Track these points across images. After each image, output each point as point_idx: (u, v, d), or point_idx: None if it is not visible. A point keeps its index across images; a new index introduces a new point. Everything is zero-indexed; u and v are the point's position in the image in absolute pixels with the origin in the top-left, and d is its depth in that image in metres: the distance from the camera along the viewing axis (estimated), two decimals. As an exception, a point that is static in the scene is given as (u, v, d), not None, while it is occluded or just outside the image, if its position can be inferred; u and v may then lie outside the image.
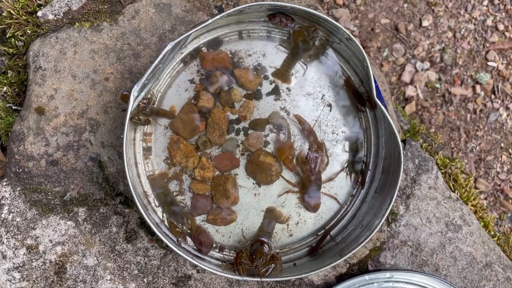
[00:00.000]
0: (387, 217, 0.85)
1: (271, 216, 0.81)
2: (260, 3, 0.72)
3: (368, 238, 0.74)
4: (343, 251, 0.76)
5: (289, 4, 0.73)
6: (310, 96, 0.81)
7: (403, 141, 0.90)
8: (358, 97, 0.81)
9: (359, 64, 0.79)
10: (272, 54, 0.81)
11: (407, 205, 0.86)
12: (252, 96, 0.81)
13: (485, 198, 1.38)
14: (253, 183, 0.81)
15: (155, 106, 0.79)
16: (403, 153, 0.75)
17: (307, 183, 0.80)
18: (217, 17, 0.72)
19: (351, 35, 0.73)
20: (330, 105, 0.82)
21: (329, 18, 0.73)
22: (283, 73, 0.81)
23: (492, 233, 0.97)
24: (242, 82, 0.80)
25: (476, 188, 1.35)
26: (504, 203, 1.38)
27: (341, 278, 0.84)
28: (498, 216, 1.37)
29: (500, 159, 1.39)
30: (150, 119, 0.79)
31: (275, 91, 0.81)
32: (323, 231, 0.82)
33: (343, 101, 0.82)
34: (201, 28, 0.72)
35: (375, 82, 0.74)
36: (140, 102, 0.75)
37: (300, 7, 0.73)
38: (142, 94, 0.77)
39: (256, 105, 0.81)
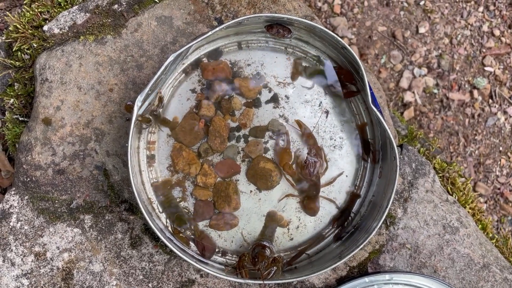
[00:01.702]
0: (386, 220, 0.87)
1: (272, 220, 0.83)
2: (258, 15, 0.75)
3: (366, 241, 0.76)
4: (343, 254, 0.78)
5: (286, 15, 0.76)
6: (308, 103, 0.84)
7: (400, 146, 0.92)
8: (366, 145, 0.84)
9: (355, 72, 0.81)
10: (270, 63, 0.84)
11: (405, 208, 0.88)
12: (251, 104, 0.83)
13: (485, 202, 1.39)
14: (254, 189, 0.83)
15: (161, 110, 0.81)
16: (399, 157, 0.77)
17: (306, 187, 0.82)
18: (217, 29, 0.74)
19: (345, 44, 0.75)
20: (327, 112, 0.84)
21: (324, 28, 0.75)
22: (299, 69, 0.83)
23: (491, 235, 0.98)
24: (242, 90, 0.83)
25: (475, 192, 1.36)
26: (504, 207, 1.39)
27: (341, 281, 0.85)
28: (498, 220, 1.38)
29: (499, 162, 1.41)
30: (151, 119, 0.80)
31: (274, 99, 0.84)
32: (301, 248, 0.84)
33: (340, 108, 0.84)
34: (202, 39, 0.75)
35: (370, 89, 0.77)
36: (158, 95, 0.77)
37: (297, 18, 0.76)
38: (146, 104, 0.79)
39: (256, 113, 0.84)
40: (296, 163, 0.83)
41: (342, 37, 1.39)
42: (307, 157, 0.82)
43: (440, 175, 0.97)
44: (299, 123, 0.83)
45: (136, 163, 0.81)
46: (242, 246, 0.83)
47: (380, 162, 0.83)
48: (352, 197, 0.84)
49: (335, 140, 0.84)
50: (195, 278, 0.84)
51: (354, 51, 1.38)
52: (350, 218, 0.84)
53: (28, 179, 0.84)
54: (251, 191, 0.83)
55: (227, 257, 0.83)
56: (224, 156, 0.83)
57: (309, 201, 0.83)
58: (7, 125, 0.91)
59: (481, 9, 1.44)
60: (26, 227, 0.84)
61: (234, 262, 0.82)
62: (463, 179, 1.02)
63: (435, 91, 1.41)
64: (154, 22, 0.87)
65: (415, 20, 1.43)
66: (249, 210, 0.83)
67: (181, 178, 0.82)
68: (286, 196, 0.83)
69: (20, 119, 0.91)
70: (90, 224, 0.84)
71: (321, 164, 0.83)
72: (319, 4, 1.41)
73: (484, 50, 1.43)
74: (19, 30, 0.90)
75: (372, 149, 0.84)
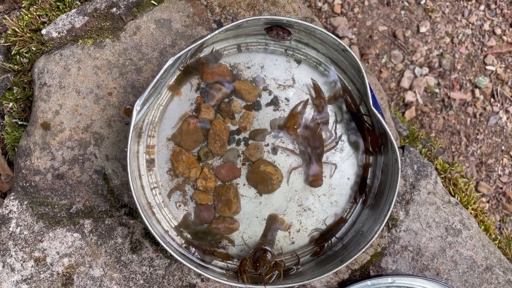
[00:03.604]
0: (387, 222, 0.87)
1: (274, 223, 0.83)
2: (257, 17, 0.74)
3: (368, 244, 0.75)
4: (344, 257, 0.77)
5: (285, 17, 0.75)
6: (309, 106, 0.83)
7: (402, 147, 0.91)
8: (362, 184, 0.83)
9: (356, 73, 0.81)
10: (270, 66, 0.83)
11: (407, 210, 0.87)
12: (251, 107, 0.83)
13: (488, 201, 1.38)
14: (255, 192, 0.82)
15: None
16: (400, 159, 0.76)
17: (310, 152, 0.82)
18: (216, 31, 0.74)
19: (346, 46, 0.75)
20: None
21: (324, 31, 0.75)
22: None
23: (493, 236, 0.98)
24: (242, 93, 0.82)
25: (478, 191, 1.36)
26: (507, 206, 1.38)
27: (343, 284, 0.85)
28: (500, 219, 1.38)
29: (501, 162, 1.40)
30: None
31: (274, 102, 0.83)
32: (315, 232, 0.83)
33: (341, 112, 0.84)
34: (201, 42, 0.74)
35: (371, 91, 0.76)
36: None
37: (296, 20, 0.75)
38: (145, 107, 0.79)
39: (256, 116, 0.83)
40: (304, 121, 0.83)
41: (342, 37, 1.38)
42: (314, 114, 0.82)
43: (442, 176, 0.97)
44: (316, 86, 0.82)
45: (135, 168, 0.81)
46: (243, 250, 0.82)
47: (369, 209, 0.82)
48: (339, 221, 0.83)
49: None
50: (196, 282, 0.84)
51: (354, 51, 1.37)
52: (331, 241, 0.83)
53: (27, 184, 0.84)
54: (253, 197, 0.82)
55: (227, 261, 0.82)
56: (224, 159, 0.82)
57: (311, 168, 0.82)
58: (6, 129, 0.91)
59: (482, 7, 1.43)
60: (25, 232, 0.83)
61: (235, 266, 0.81)
62: (465, 179, 1.02)
63: (437, 90, 1.40)
64: (153, 25, 0.86)
65: (416, 20, 1.42)
66: (249, 214, 0.82)
67: (181, 182, 0.82)
68: (291, 170, 0.82)
69: (19, 123, 0.91)
70: (90, 228, 0.84)
71: (326, 121, 0.83)
72: (319, 4, 1.40)
73: (485, 49, 1.42)
74: (18, 34, 0.89)
75: (367, 190, 0.83)
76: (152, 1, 0.87)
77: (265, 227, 0.83)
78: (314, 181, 0.82)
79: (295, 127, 0.82)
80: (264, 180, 0.81)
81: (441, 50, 1.41)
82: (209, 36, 0.74)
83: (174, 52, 0.86)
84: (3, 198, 0.92)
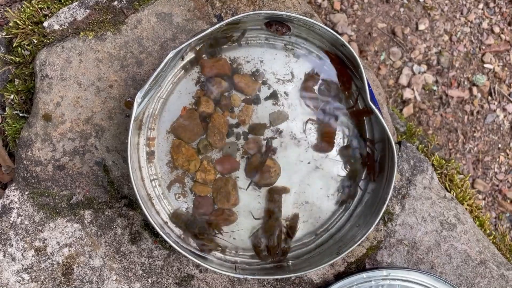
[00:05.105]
0: (383, 216, 0.88)
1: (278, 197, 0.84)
2: (257, 12, 0.75)
3: (364, 237, 0.76)
4: (341, 250, 0.78)
5: (285, 12, 0.76)
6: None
7: (399, 143, 0.93)
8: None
9: (354, 69, 0.82)
10: (269, 60, 0.84)
11: (403, 205, 0.89)
12: (251, 101, 0.84)
13: (484, 199, 1.40)
14: (253, 185, 0.84)
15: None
16: (397, 154, 0.77)
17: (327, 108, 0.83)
18: (217, 26, 0.75)
19: (345, 42, 0.76)
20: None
21: (323, 26, 0.76)
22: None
23: (488, 232, 0.99)
24: (241, 87, 0.83)
25: (474, 188, 1.37)
26: (502, 203, 1.39)
27: (339, 277, 0.86)
28: (496, 216, 1.39)
29: (497, 159, 1.41)
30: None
31: (273, 96, 0.84)
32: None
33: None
34: (201, 36, 0.75)
35: (369, 86, 0.77)
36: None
37: (296, 15, 0.76)
38: (145, 100, 0.80)
39: (255, 110, 0.84)
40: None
41: (342, 34, 1.39)
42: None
43: (439, 172, 0.98)
44: (332, 58, 0.83)
45: (135, 159, 0.82)
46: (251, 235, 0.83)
47: (364, 204, 0.84)
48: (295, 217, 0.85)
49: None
50: (194, 273, 0.85)
51: (353, 48, 1.38)
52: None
53: (29, 175, 0.84)
54: (251, 189, 0.83)
55: (225, 252, 0.83)
56: (223, 152, 0.83)
57: (325, 133, 0.83)
58: (7, 121, 0.92)
59: (481, 6, 1.44)
60: (26, 222, 0.84)
61: (232, 259, 0.82)
62: (461, 176, 1.03)
63: (435, 88, 1.41)
64: (154, 19, 0.87)
65: (415, 17, 1.43)
66: (248, 206, 0.83)
67: (180, 175, 0.83)
68: (307, 120, 0.83)
69: (20, 114, 0.92)
70: (90, 219, 0.85)
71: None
72: (319, 0, 1.41)
73: (483, 47, 1.43)
74: (19, 26, 0.90)
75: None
76: (153, -5, 0.88)
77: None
78: (327, 142, 0.83)
79: (313, 87, 0.82)
80: (262, 173, 0.82)
81: (439, 48, 1.42)
82: (209, 30, 0.75)
83: (174, 45, 0.87)
84: (3, 189, 0.93)
